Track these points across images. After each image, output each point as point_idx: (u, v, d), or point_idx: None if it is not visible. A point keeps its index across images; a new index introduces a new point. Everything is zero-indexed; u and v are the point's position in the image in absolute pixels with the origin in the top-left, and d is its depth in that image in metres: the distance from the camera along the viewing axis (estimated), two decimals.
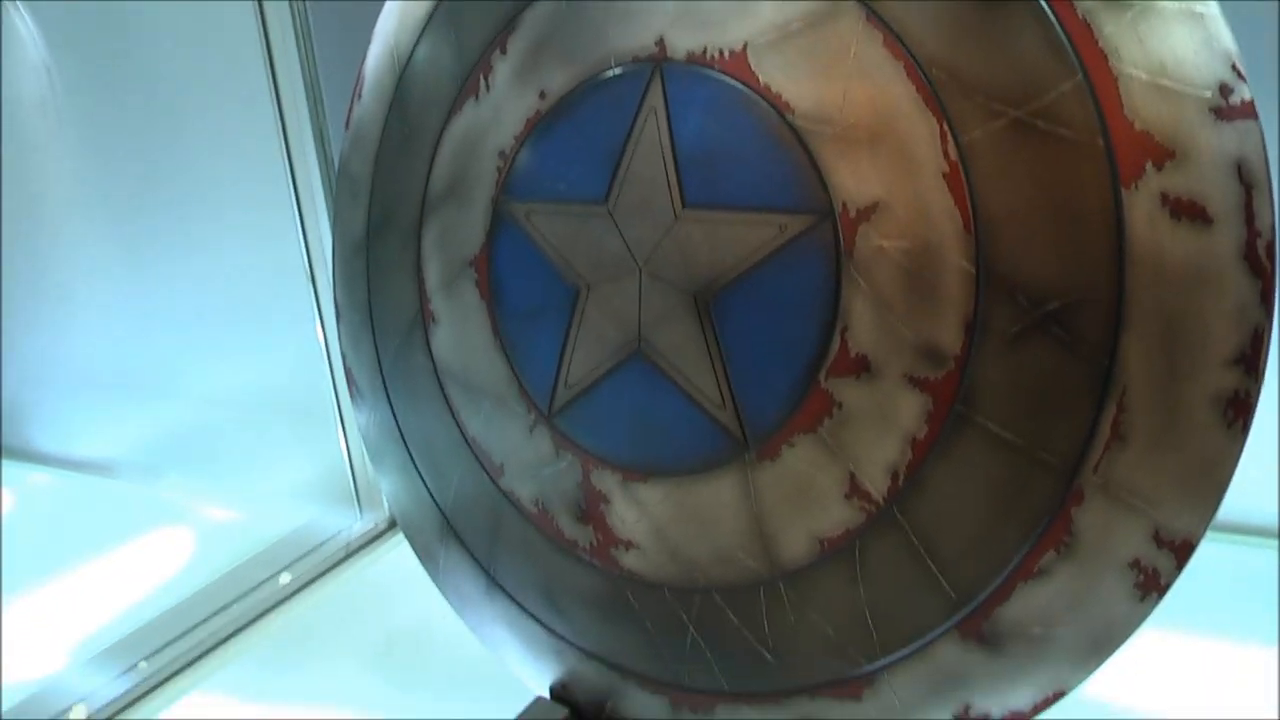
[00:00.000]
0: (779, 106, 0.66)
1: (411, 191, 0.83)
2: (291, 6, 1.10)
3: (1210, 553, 1.07)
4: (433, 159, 0.81)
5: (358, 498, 1.37)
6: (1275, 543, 1.09)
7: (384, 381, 0.89)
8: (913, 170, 0.62)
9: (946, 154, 0.61)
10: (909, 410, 0.64)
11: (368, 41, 0.90)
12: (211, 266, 1.41)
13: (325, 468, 1.39)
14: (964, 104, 0.61)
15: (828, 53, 0.65)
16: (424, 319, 0.84)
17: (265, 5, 1.10)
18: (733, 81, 0.67)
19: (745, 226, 0.67)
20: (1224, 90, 0.56)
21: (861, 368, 0.65)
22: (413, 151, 0.83)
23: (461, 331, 0.82)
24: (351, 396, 0.94)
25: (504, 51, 0.76)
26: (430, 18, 0.82)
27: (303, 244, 1.26)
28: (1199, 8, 0.57)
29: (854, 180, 0.64)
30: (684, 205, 0.69)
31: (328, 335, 1.30)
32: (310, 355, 1.34)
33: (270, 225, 1.31)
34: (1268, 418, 1.04)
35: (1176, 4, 0.57)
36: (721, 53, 0.68)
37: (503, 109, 0.77)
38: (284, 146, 1.18)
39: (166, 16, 1.23)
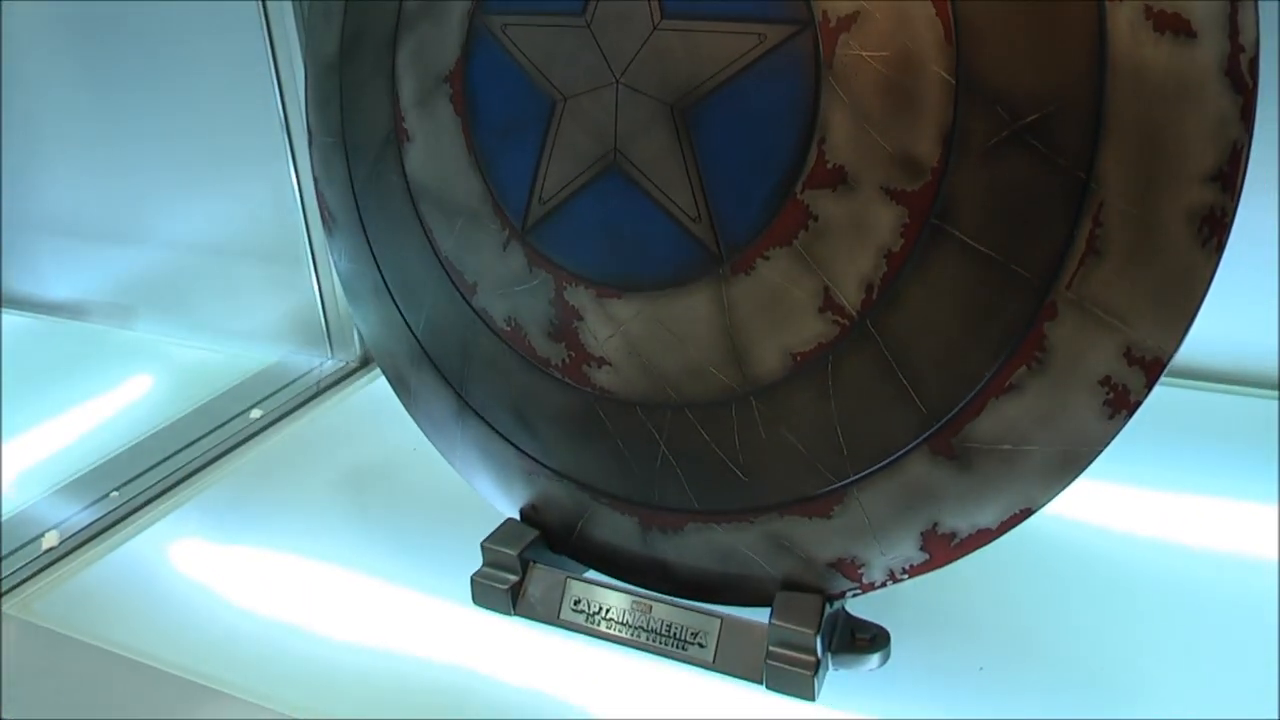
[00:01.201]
0: None
1: (385, 8, 0.81)
2: None
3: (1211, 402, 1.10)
4: None
5: (329, 337, 1.37)
6: (1276, 394, 1.10)
7: (357, 204, 0.88)
8: None
9: None
10: (885, 223, 0.64)
11: None
12: (181, 103, 1.38)
13: (297, 308, 1.39)
14: None
15: None
16: (398, 137, 0.83)
17: None
18: None
19: (724, 36, 0.66)
20: None
21: (838, 179, 0.65)
22: None
23: (436, 148, 0.81)
24: (324, 224, 0.93)
25: None
26: None
27: (273, 74, 1.24)
28: None
29: None
30: (663, 15, 0.68)
31: (300, 174, 1.29)
32: (282, 195, 1.33)
33: (239, 58, 1.28)
34: (1268, 267, 1.05)
35: None
36: None
37: None
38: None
39: None
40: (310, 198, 1.29)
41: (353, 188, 0.88)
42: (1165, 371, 0.61)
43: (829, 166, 0.65)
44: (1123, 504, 0.94)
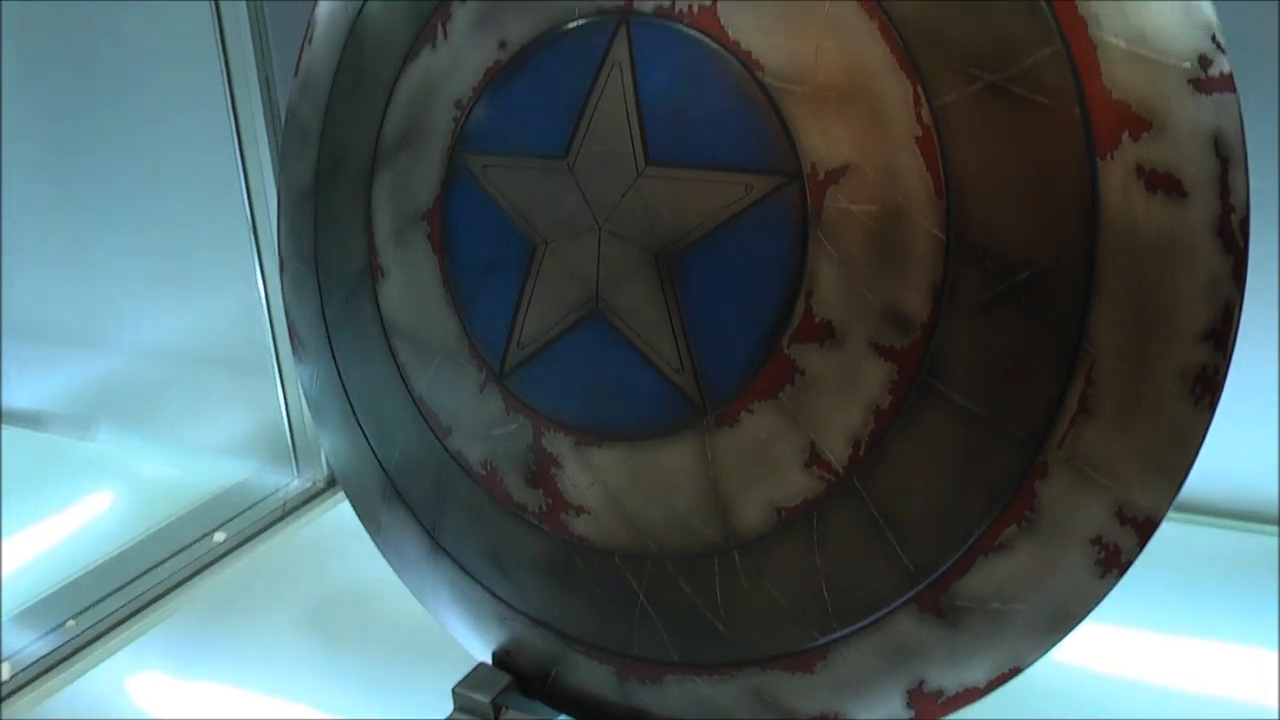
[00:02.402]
0: (749, 64, 0.64)
1: (363, 140, 0.80)
2: None
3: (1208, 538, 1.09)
4: (386, 107, 0.79)
5: (295, 455, 1.35)
6: (1276, 529, 1.08)
7: (328, 335, 0.86)
8: (884, 133, 0.61)
9: (920, 117, 0.60)
10: (873, 378, 0.63)
11: None
12: (150, 212, 1.37)
13: (262, 423, 1.36)
14: (939, 67, 0.60)
15: (800, 9, 0.63)
16: (373, 271, 0.82)
17: None
18: (701, 36, 0.65)
19: (711, 186, 0.65)
20: (1203, 61, 0.55)
21: (826, 334, 0.64)
22: (365, 98, 0.80)
23: (411, 286, 0.79)
24: (294, 350, 0.91)
25: None
26: None
27: (244, 190, 1.22)
28: None
29: (824, 141, 0.62)
30: (648, 162, 0.67)
31: (268, 285, 1.27)
32: (249, 306, 1.31)
33: (211, 171, 1.27)
34: (1268, 400, 1.05)
35: None
36: (690, 6, 0.66)
37: (461, 58, 0.74)
38: (228, 90, 1.14)
39: None
40: (278, 309, 1.27)
41: (325, 317, 0.86)
42: None
43: (816, 321, 0.63)
44: (1115, 646, 0.92)
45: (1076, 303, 0.58)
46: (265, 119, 1.16)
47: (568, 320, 0.72)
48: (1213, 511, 1.12)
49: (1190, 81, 0.56)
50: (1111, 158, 0.57)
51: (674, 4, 0.66)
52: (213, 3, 1.09)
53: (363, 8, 0.80)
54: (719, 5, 0.65)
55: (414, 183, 0.78)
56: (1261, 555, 1.05)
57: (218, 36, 1.11)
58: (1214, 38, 0.55)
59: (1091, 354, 0.58)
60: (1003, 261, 0.59)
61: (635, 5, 0.67)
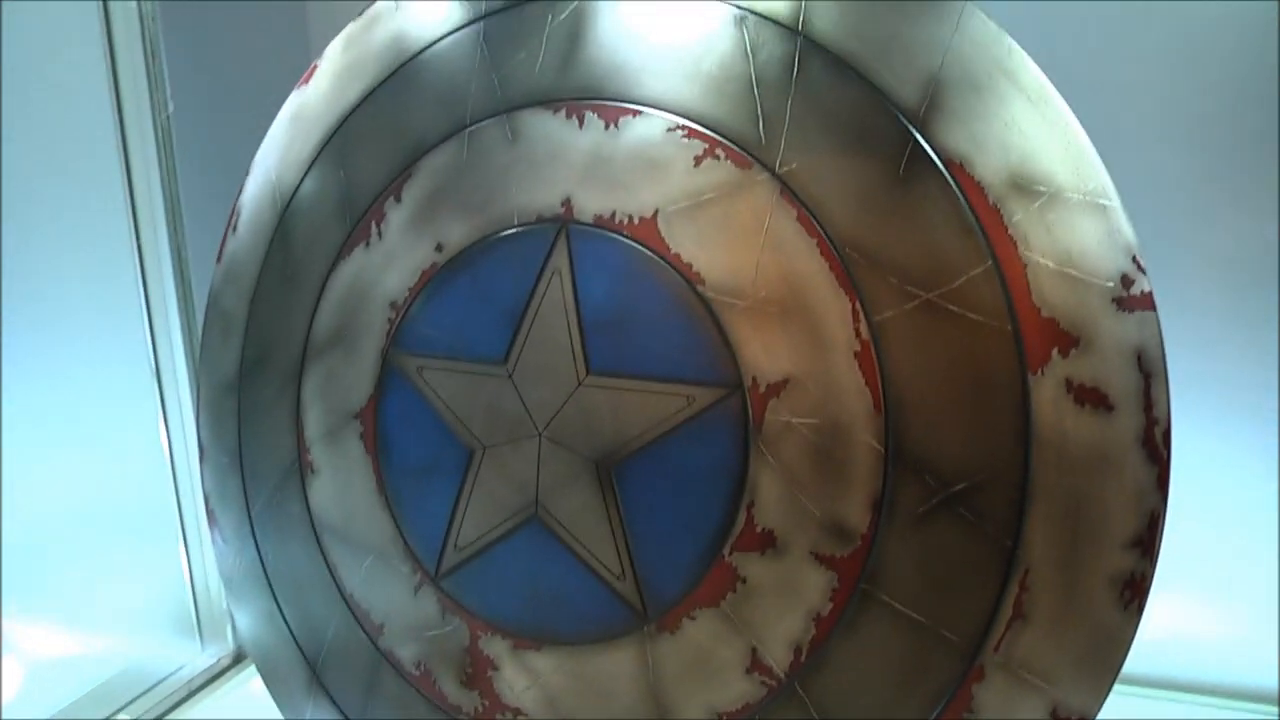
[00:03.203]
0: (690, 277, 0.65)
1: (292, 334, 0.80)
2: (155, 123, 1.06)
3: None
4: (317, 303, 0.78)
5: (199, 628, 1.30)
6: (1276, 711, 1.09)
7: (252, 529, 0.85)
8: (824, 347, 0.62)
9: (858, 333, 0.62)
10: (814, 586, 0.64)
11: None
12: (51, 375, 1.33)
13: (165, 593, 1.31)
14: (877, 284, 0.62)
15: (741, 225, 0.64)
16: (302, 468, 0.81)
17: (127, 124, 1.05)
18: (642, 248, 0.67)
19: (652, 396, 0.66)
20: (1125, 281, 0.58)
21: (767, 543, 0.64)
22: (295, 293, 0.79)
23: (343, 484, 0.78)
24: (212, 536, 0.89)
25: (398, 199, 0.74)
26: (317, 156, 0.79)
27: (149, 337, 1.19)
28: (1102, 200, 0.58)
29: (765, 355, 0.64)
30: (588, 371, 0.68)
31: (171, 442, 1.24)
32: (152, 464, 1.27)
33: (116, 329, 1.24)
34: (1267, 580, 1.06)
35: (1081, 195, 0.59)
36: (631, 218, 0.67)
37: (396, 258, 0.74)
38: (139, 267, 1.12)
39: (19, 125, 1.17)
40: (182, 469, 1.24)
41: (249, 511, 0.84)
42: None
43: (758, 530, 0.64)
44: None
45: (1012, 513, 0.60)
46: (177, 297, 1.14)
47: (507, 525, 0.72)
48: (1213, 692, 1.12)
49: (1114, 300, 0.58)
50: (1042, 373, 0.59)
51: (614, 214, 0.67)
52: (124, 176, 1.08)
53: (290, 201, 0.80)
54: (659, 218, 0.66)
55: (346, 381, 0.77)
56: None
57: (130, 211, 1.09)
58: (1134, 258, 0.58)
59: (1026, 562, 0.59)
60: (940, 473, 0.60)
61: (575, 215, 0.68)
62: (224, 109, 1.09)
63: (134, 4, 1.00)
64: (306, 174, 0.79)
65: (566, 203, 0.68)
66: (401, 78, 0.75)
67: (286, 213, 0.80)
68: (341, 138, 0.77)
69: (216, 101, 1.09)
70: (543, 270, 0.69)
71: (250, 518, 0.84)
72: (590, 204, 0.68)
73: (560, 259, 0.68)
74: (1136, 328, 0.59)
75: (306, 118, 0.80)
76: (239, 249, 0.83)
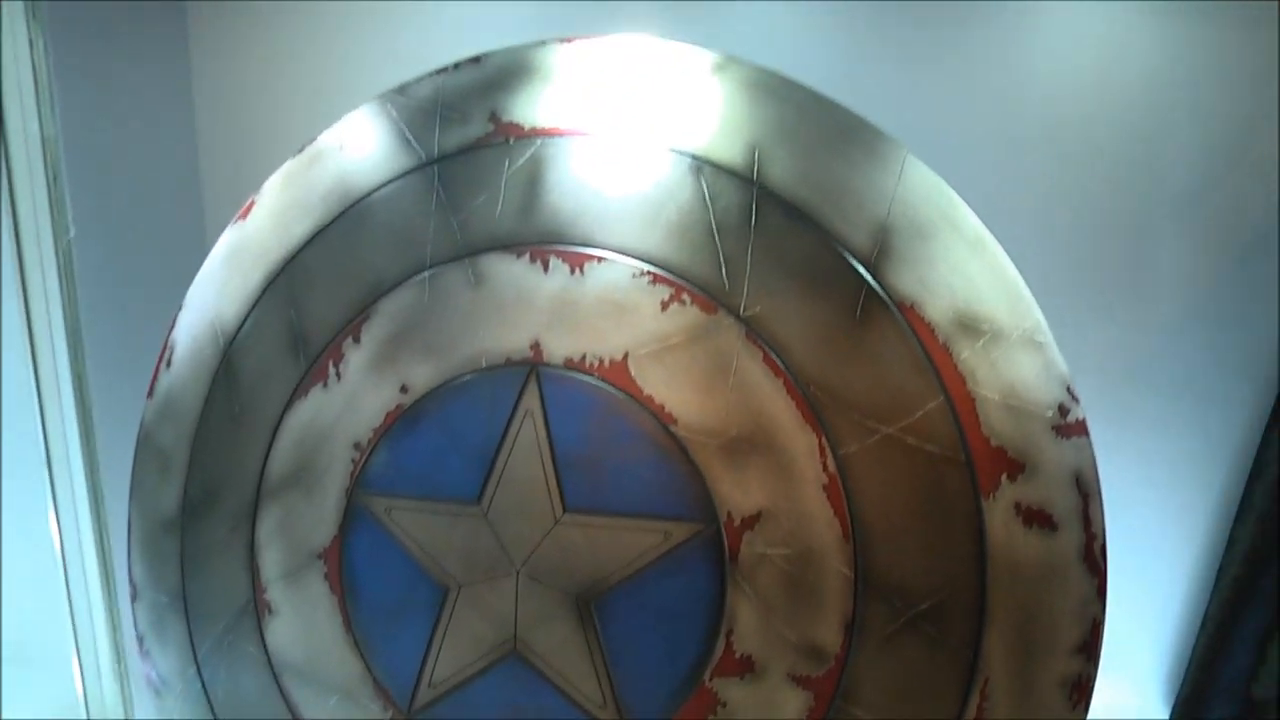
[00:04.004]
0: (662, 417, 0.68)
1: (244, 473, 0.79)
2: (57, 248, 1.03)
3: None
4: (271, 442, 0.78)
5: None
6: None
7: (200, 672, 0.83)
8: (794, 481, 0.66)
9: (825, 466, 0.66)
10: (791, 706, 0.67)
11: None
12: None
13: None
14: (840, 419, 0.66)
15: (709, 366, 0.68)
16: (258, 609, 0.80)
17: (24, 247, 1.02)
18: (613, 390, 0.69)
19: (629, 532, 0.69)
20: (1062, 410, 0.64)
21: (746, 668, 0.68)
22: (245, 432, 0.79)
23: (306, 624, 0.78)
24: (149, 685, 0.87)
25: (357, 340, 0.75)
26: (262, 294, 0.79)
27: (43, 441, 1.14)
28: (1038, 336, 0.64)
29: (738, 490, 0.67)
30: (565, 509, 0.70)
31: (68, 573, 1.19)
32: (43, 584, 1.21)
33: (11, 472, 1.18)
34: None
35: (1020, 333, 0.64)
36: (602, 360, 0.70)
37: (358, 399, 0.75)
38: (35, 384, 1.08)
39: None
40: (79, 588, 1.18)
41: (194, 652, 0.83)
42: None
43: (737, 656, 0.67)
44: None
45: (972, 627, 0.65)
46: (75, 412, 1.10)
47: (484, 660, 0.73)
48: None
49: (1053, 428, 0.64)
50: (993, 497, 0.64)
51: (584, 357, 0.70)
52: (20, 298, 1.04)
53: (235, 339, 0.80)
54: (629, 360, 0.69)
55: (306, 521, 0.77)
56: None
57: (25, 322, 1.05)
58: (1068, 388, 0.64)
59: (986, 671, 0.65)
60: (906, 594, 0.65)
61: (544, 357, 0.71)
62: (126, 234, 1.07)
63: (36, 125, 0.98)
64: (251, 311, 0.79)
65: (535, 345, 0.70)
66: (351, 218, 0.76)
67: (230, 350, 0.80)
68: (289, 275, 0.78)
69: (116, 226, 1.07)
70: (514, 411, 0.71)
71: (196, 658, 0.83)
72: (559, 347, 0.70)
73: (531, 400, 0.70)
74: (1074, 452, 0.65)
75: (247, 253, 0.80)
76: (175, 385, 0.82)
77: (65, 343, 1.02)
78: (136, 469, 0.84)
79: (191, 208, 0.98)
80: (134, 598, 0.86)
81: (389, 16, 1.05)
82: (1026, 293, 0.67)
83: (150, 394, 0.84)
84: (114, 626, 1.12)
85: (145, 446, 0.84)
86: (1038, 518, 0.65)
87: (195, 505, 0.81)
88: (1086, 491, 0.66)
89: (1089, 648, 0.64)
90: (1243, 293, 0.94)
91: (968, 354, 0.66)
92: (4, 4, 0.95)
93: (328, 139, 0.79)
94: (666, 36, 0.74)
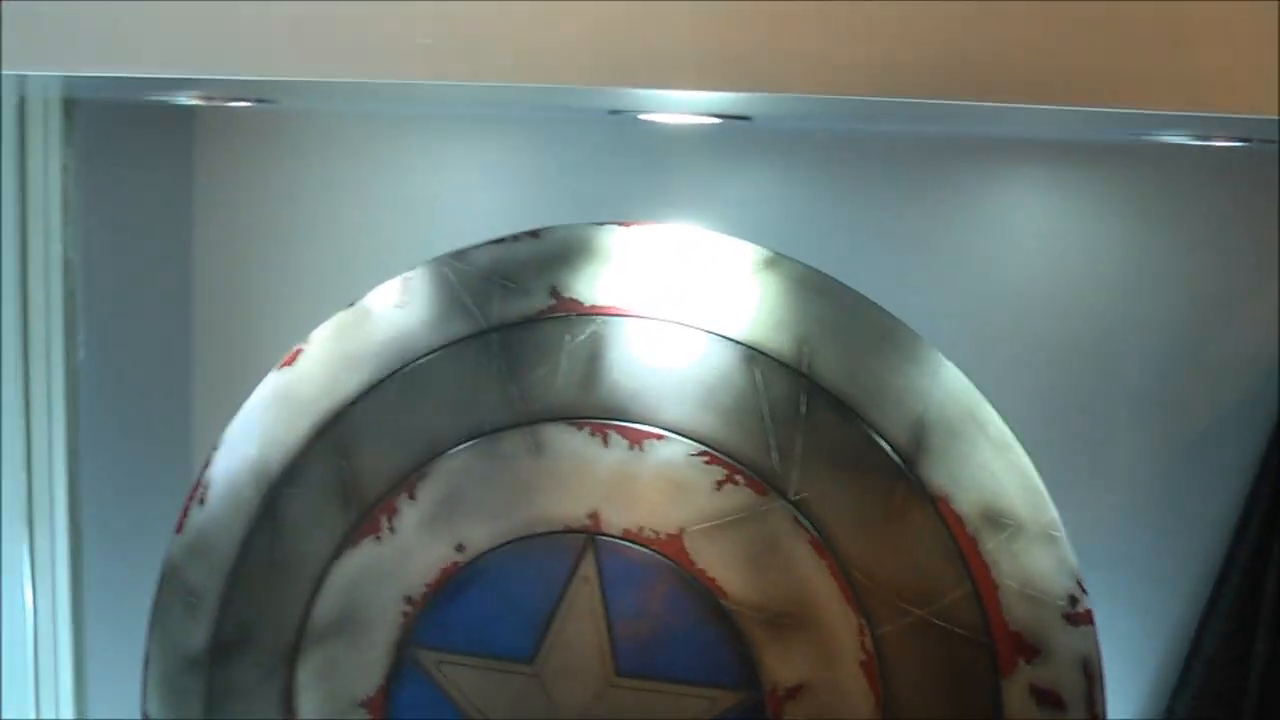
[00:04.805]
0: (713, 590, 0.74)
1: (285, 618, 0.81)
2: (67, 366, 1.05)
3: None
4: (316, 591, 0.80)
5: None
6: None
7: None
8: (835, 657, 0.72)
9: (864, 645, 0.72)
10: None
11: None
12: None
13: None
14: (878, 602, 0.72)
15: (759, 546, 0.74)
16: None
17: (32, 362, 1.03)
18: (669, 561, 0.74)
19: (678, 698, 0.74)
20: (1073, 600, 0.72)
21: None
22: (287, 580, 0.81)
23: None
24: None
25: (412, 497, 0.78)
26: (311, 442, 0.82)
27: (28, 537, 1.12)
28: (1053, 531, 0.72)
29: (782, 662, 0.73)
30: (617, 674, 0.74)
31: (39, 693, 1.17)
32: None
33: None
34: None
35: (1038, 528, 0.72)
36: (658, 533, 0.75)
37: (411, 554, 0.78)
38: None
39: None
40: (49, 674, 1.16)
41: None
42: None
43: None
44: None
45: None
46: (66, 525, 1.10)
47: None
48: None
49: (1064, 616, 0.72)
50: (1011, 678, 0.71)
51: (641, 529, 0.75)
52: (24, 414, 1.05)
53: (280, 483, 0.82)
54: (685, 536, 0.74)
55: (350, 669, 0.79)
56: None
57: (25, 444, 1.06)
58: (1078, 581, 0.72)
59: None
60: None
61: (602, 528, 0.75)
62: (129, 355, 1.09)
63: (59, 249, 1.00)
64: (298, 458, 0.82)
65: (594, 515, 0.75)
66: (408, 377, 0.80)
67: (274, 495, 0.82)
68: (341, 427, 0.81)
69: (126, 347, 1.08)
70: (571, 577, 0.75)
71: None
72: (618, 518, 0.75)
73: (589, 567, 0.75)
74: (1083, 639, 0.73)
75: (295, 400, 0.83)
76: (210, 524, 0.84)
77: (64, 464, 1.03)
78: (159, 606, 0.86)
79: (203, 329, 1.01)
80: None
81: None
82: (1043, 490, 0.74)
83: (180, 529, 0.86)
84: None
85: (172, 579, 0.85)
86: (1050, 698, 0.72)
87: (227, 645, 0.83)
88: (1091, 675, 0.73)
89: None
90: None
91: (992, 545, 0.73)
92: (38, 124, 0.97)
93: (383, 296, 0.83)
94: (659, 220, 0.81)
